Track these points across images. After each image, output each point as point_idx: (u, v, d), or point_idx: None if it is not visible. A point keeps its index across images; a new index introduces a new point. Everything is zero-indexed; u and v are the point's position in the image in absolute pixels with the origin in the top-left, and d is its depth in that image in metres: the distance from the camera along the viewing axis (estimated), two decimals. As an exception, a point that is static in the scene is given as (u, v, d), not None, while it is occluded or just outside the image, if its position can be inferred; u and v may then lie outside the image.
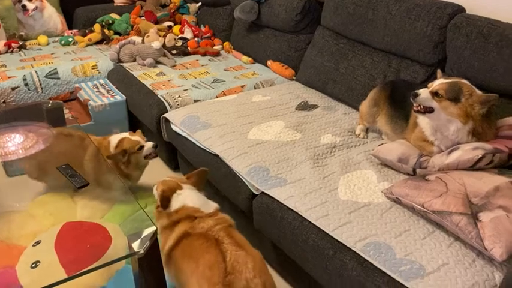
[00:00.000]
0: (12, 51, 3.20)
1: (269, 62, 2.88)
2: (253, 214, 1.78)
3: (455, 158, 1.56)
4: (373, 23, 2.23)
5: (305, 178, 1.72)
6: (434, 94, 1.64)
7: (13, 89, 2.75)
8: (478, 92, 1.64)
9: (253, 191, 1.76)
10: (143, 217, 1.55)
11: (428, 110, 1.66)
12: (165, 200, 1.60)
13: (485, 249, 1.27)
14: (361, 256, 1.38)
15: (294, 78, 2.76)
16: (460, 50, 1.89)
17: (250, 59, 3.02)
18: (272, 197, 1.67)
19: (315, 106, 2.33)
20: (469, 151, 1.54)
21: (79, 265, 1.41)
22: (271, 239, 1.74)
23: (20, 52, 3.21)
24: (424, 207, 1.44)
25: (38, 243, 1.70)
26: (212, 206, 1.61)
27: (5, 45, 3.18)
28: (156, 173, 2.62)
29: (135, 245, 1.40)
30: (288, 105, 2.33)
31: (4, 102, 2.74)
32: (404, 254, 1.34)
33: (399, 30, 2.12)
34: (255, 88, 2.66)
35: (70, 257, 1.59)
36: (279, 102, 2.36)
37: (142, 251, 1.39)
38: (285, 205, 1.62)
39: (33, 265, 1.62)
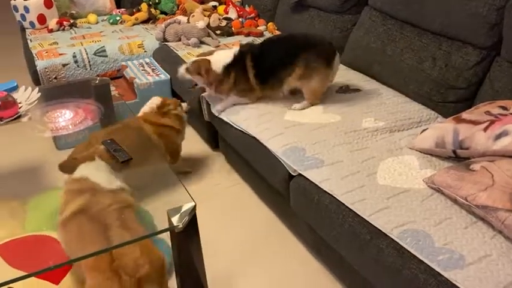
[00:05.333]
0: (63, 29, 3.32)
1: (313, 43, 2.82)
2: (290, 196, 1.78)
3: (503, 147, 1.47)
4: (424, 3, 2.13)
5: (343, 161, 1.69)
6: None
7: (64, 65, 2.86)
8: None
9: (290, 172, 1.75)
10: (182, 191, 1.57)
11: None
12: (67, 166, 1.57)
13: (533, 247, 1.20)
14: (398, 243, 1.34)
15: (338, 60, 2.69)
16: (518, 32, 1.78)
17: (294, 39, 2.97)
18: (309, 179, 1.65)
19: (357, 90, 2.27)
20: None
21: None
22: (308, 221, 1.73)
23: (71, 30, 3.32)
24: (467, 201, 1.37)
25: None
26: (116, 185, 1.55)
27: (57, 23, 3.30)
28: (196, 151, 2.67)
29: (175, 220, 1.42)
30: (327, 88, 2.29)
31: (55, 78, 2.86)
32: (444, 243, 1.29)
33: (452, 10, 2.01)
34: (297, 69, 2.62)
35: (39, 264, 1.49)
36: (320, 85, 2.32)
37: (180, 226, 1.42)
38: (321, 188, 1.60)
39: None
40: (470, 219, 1.37)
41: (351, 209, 1.49)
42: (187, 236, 1.47)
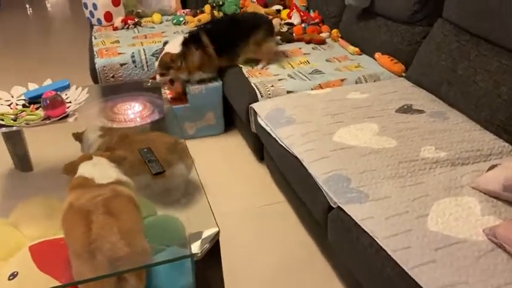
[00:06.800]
0: (127, 28, 3.36)
1: (377, 55, 2.61)
2: (327, 227, 1.61)
3: None
4: (508, 18, 1.85)
5: (391, 197, 1.49)
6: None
7: (121, 65, 2.88)
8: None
9: (330, 203, 1.59)
10: (207, 214, 1.47)
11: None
12: (69, 169, 1.56)
13: None
14: (442, 307, 1.14)
15: (404, 74, 2.46)
16: None
17: (357, 49, 2.77)
18: (349, 215, 1.48)
19: (420, 111, 2.03)
20: None
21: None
22: (344, 258, 1.56)
23: (135, 29, 3.35)
24: (536, 261, 1.14)
25: (14, 275, 1.50)
26: (110, 177, 1.50)
27: (122, 21, 3.35)
28: (242, 162, 2.57)
29: (194, 247, 1.33)
30: (387, 106, 2.07)
31: (113, 77, 2.89)
32: (500, 317, 1.08)
33: (540, 28, 1.72)
34: (356, 83, 2.43)
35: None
36: (377, 102, 2.11)
37: (199, 254, 1.32)
38: (361, 227, 1.42)
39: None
40: (538, 289, 1.14)
41: (391, 257, 1.30)
42: (207, 264, 1.37)
